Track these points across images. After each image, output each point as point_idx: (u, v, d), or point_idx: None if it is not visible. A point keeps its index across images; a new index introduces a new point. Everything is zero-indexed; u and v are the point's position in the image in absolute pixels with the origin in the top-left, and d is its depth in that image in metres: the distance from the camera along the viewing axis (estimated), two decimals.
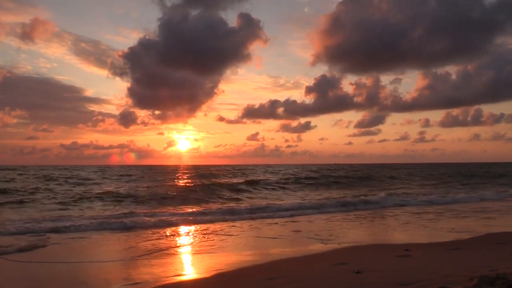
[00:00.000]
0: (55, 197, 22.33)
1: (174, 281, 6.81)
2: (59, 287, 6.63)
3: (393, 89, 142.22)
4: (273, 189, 30.99)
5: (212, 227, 13.42)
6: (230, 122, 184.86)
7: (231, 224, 14.14)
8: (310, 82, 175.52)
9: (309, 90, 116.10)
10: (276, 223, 14.32)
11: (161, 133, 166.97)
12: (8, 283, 7.00)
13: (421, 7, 64.02)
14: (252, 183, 33.77)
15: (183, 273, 7.45)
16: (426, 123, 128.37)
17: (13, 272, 7.77)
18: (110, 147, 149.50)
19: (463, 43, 65.86)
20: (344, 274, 6.21)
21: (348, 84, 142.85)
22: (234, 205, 20.08)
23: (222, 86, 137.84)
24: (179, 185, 33.99)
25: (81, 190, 26.61)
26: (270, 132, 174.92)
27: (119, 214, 15.69)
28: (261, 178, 39.86)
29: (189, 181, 39.81)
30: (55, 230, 12.11)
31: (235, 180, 37.65)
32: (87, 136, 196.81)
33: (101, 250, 10.05)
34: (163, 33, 64.48)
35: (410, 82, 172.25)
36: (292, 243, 10.52)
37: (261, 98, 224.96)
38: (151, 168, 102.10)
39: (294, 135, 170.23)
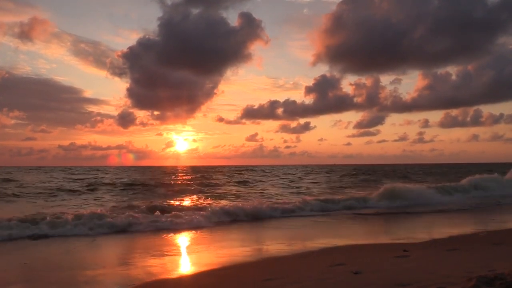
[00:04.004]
0: None
1: (165, 279, 6.81)
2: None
3: (393, 89, 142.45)
4: None
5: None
6: (229, 122, 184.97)
7: None
8: (310, 83, 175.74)
9: (308, 90, 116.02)
10: None
11: (160, 134, 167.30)
12: None
13: (423, 7, 63.95)
14: None
15: (177, 273, 7.44)
16: (426, 124, 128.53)
17: None
18: (108, 148, 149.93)
19: (465, 43, 65.79)
20: (342, 275, 6.20)
21: (348, 84, 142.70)
22: None
23: (221, 86, 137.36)
24: None
25: None
26: (269, 133, 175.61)
27: None
28: None
29: None
30: None
31: None
32: (85, 137, 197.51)
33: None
34: (163, 33, 64.37)
35: (410, 83, 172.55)
36: None
37: (261, 99, 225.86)
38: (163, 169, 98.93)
39: (293, 136, 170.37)
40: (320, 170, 76.09)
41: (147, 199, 21.28)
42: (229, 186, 33.46)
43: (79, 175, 51.29)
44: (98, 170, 79.27)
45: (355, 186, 32.82)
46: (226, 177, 46.95)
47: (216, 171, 73.55)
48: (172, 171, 79.03)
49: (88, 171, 69.63)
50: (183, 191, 27.05)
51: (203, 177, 48.20)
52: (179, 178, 47.18)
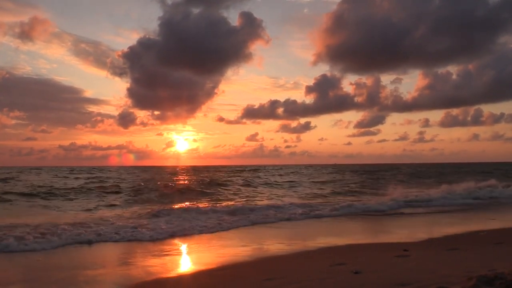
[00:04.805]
0: None
1: (164, 278, 6.81)
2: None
3: (394, 89, 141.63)
4: None
5: None
6: (229, 122, 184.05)
7: None
8: (310, 83, 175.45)
9: (309, 90, 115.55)
10: None
11: (160, 134, 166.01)
12: None
13: (423, 6, 63.74)
14: None
15: (177, 272, 7.46)
16: (426, 123, 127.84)
17: None
18: (109, 148, 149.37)
19: (466, 42, 65.36)
20: (342, 275, 6.20)
21: (348, 84, 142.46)
22: None
23: (222, 86, 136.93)
24: None
25: None
26: (270, 133, 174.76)
27: None
28: None
29: None
30: None
31: None
32: (85, 137, 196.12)
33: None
34: (164, 32, 64.09)
35: (411, 82, 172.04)
36: None
37: (261, 98, 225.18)
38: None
39: (294, 136, 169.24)
40: (328, 170, 75.28)
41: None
42: (261, 187, 32.32)
43: (87, 175, 50.54)
44: (101, 170, 78.83)
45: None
46: (245, 178, 44.99)
47: (229, 171, 71.91)
48: (177, 171, 77.97)
49: (91, 171, 69.26)
50: (204, 193, 26.23)
51: (221, 177, 45.84)
52: (192, 178, 45.31)
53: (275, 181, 40.07)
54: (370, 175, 49.52)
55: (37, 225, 12.05)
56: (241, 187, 31.27)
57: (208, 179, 38.59)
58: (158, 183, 33.06)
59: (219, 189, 28.82)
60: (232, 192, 27.44)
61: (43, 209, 17.99)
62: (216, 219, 14.02)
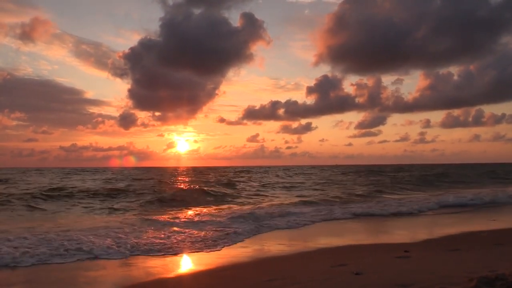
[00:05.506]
0: None
1: (165, 279, 6.80)
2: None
3: (395, 89, 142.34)
4: None
5: None
6: (230, 123, 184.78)
7: None
8: (311, 83, 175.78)
9: (310, 90, 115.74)
10: None
11: (161, 135, 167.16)
12: None
13: (425, 6, 63.85)
14: None
15: (176, 272, 7.45)
16: (427, 124, 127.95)
17: None
18: (110, 149, 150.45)
19: (467, 42, 65.47)
20: (343, 276, 6.20)
21: (349, 84, 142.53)
22: None
23: (223, 87, 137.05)
24: None
25: None
26: (270, 134, 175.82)
27: None
28: None
29: None
30: None
31: None
32: (86, 138, 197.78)
33: None
34: (165, 33, 64.43)
35: (412, 83, 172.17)
36: None
37: (262, 99, 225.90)
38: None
39: (294, 136, 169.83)
40: (333, 171, 74.58)
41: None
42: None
43: (92, 176, 49.82)
44: (104, 171, 78.54)
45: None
46: (255, 179, 43.46)
47: (236, 172, 70.48)
48: (180, 172, 77.17)
49: (94, 172, 69.08)
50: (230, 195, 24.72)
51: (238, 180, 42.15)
52: (200, 180, 42.31)
53: (290, 181, 39.42)
54: (380, 176, 48.64)
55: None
56: (256, 189, 30.20)
57: (223, 180, 37.84)
58: (166, 185, 32.20)
59: (232, 192, 27.33)
60: (249, 194, 26.06)
61: (52, 213, 16.60)
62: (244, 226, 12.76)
